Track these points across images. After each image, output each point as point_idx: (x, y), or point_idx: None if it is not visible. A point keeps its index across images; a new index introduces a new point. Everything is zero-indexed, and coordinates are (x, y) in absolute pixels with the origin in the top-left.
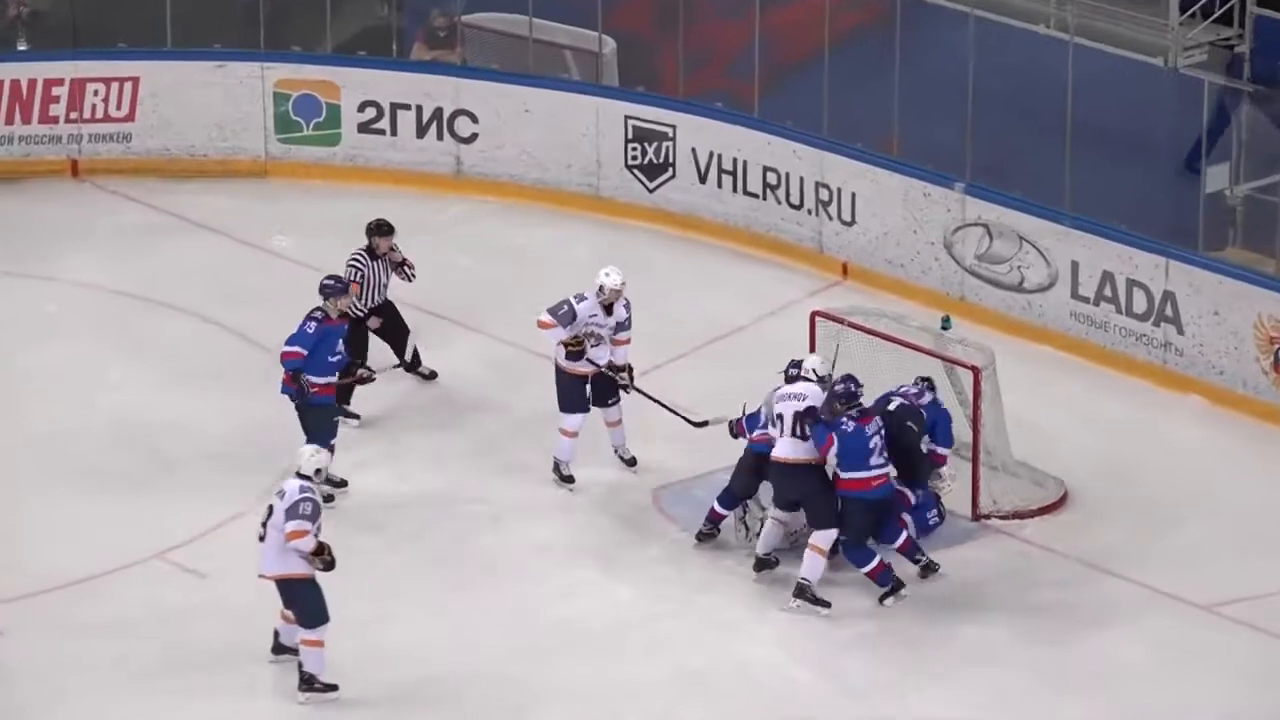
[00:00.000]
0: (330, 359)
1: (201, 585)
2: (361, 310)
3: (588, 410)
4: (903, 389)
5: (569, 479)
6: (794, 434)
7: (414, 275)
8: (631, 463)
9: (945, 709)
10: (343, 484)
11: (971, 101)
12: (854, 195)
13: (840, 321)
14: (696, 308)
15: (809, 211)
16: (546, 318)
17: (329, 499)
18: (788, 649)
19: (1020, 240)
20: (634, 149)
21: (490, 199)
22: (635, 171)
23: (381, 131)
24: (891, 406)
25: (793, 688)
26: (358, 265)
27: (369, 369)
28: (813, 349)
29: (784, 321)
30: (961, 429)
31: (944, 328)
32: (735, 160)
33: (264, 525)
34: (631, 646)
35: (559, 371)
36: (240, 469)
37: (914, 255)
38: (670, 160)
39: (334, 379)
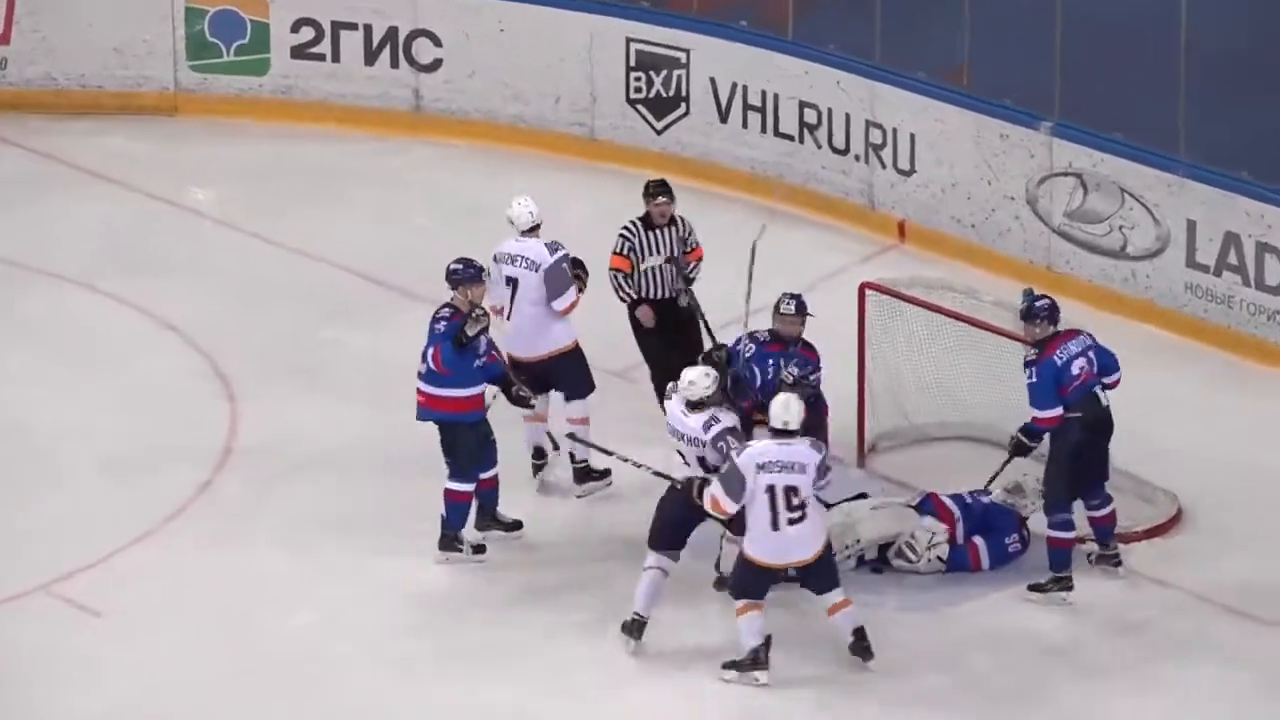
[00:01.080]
0: (477, 363)
1: (98, 627)
2: (629, 294)
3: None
4: None
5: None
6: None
7: (693, 274)
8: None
9: None
10: (516, 526)
11: (1061, 21)
12: (913, 137)
13: (898, 296)
14: (715, 279)
15: (857, 158)
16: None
17: (479, 549)
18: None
19: (1122, 194)
20: (637, 79)
21: (457, 142)
22: (639, 108)
23: (320, 57)
24: None
25: None
26: (627, 236)
27: (526, 389)
28: (862, 329)
29: (827, 296)
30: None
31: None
32: (764, 94)
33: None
34: None
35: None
36: (145, 480)
37: (988, 213)
38: (683, 93)
39: (479, 390)
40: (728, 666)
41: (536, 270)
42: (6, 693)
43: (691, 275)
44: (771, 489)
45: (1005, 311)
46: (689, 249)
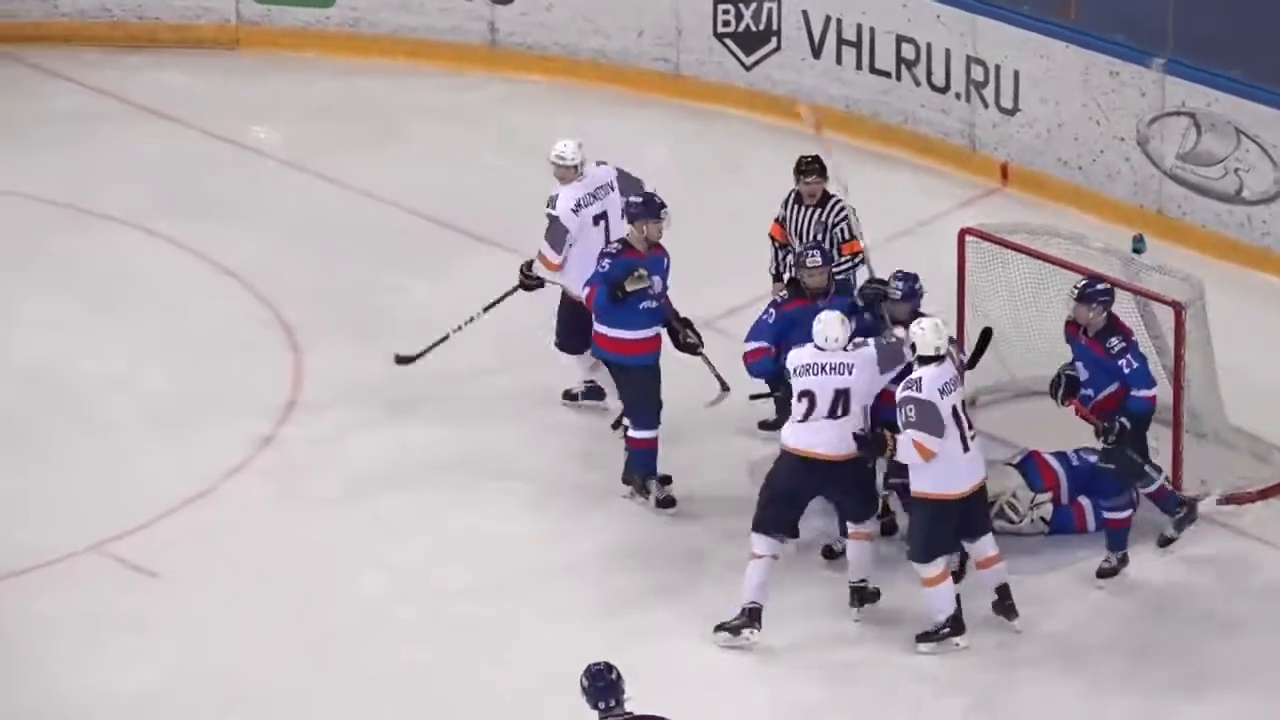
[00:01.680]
0: (641, 306)
1: (153, 589)
2: (773, 269)
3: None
4: None
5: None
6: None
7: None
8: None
9: None
10: (666, 481)
11: None
12: (1017, 74)
13: (1000, 242)
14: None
15: (957, 96)
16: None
17: (668, 500)
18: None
19: (1238, 134)
20: (725, 11)
21: (534, 78)
22: (727, 42)
23: None
24: None
25: None
26: (783, 206)
27: (695, 334)
28: (962, 276)
29: (924, 242)
30: (1161, 386)
31: (1136, 250)
32: (859, 27)
33: None
34: None
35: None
36: (203, 435)
37: (1097, 154)
38: (773, 27)
39: (648, 333)
40: (922, 639)
41: (613, 189)
42: (57, 657)
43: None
44: (955, 412)
45: (1114, 259)
46: (844, 238)
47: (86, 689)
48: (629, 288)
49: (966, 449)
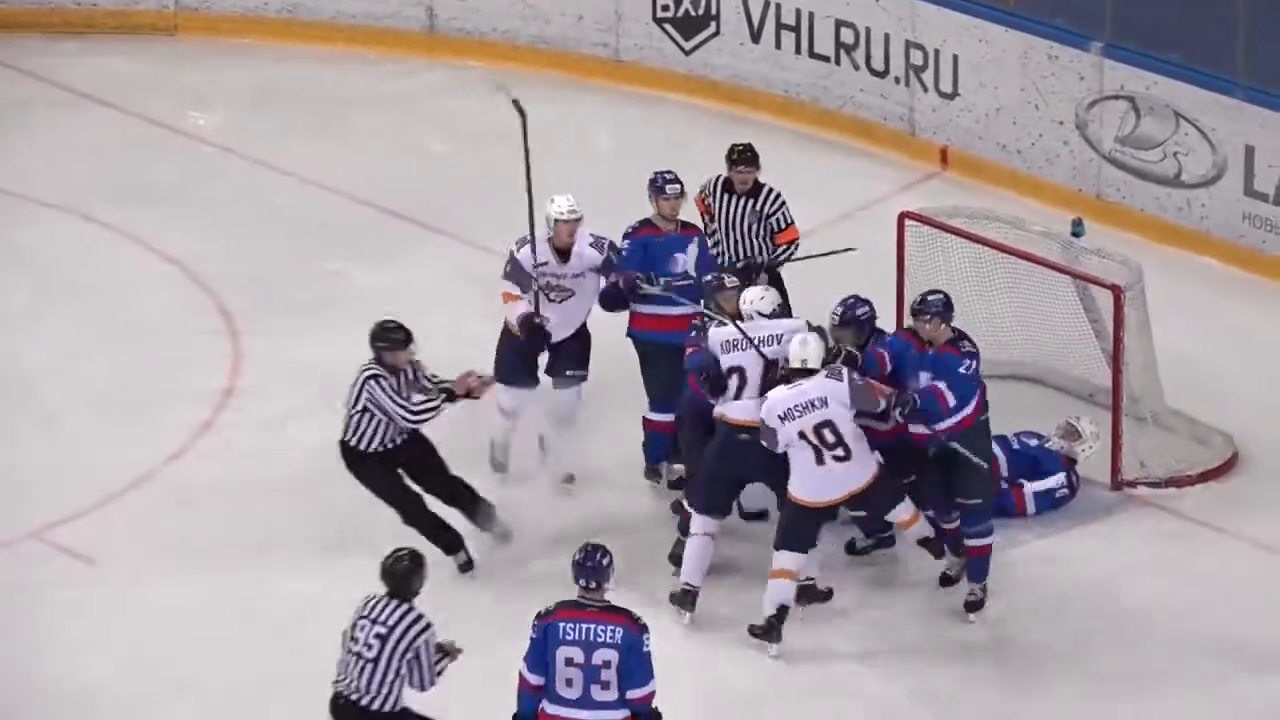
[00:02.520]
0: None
1: (93, 575)
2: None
3: (533, 386)
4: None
5: (500, 467)
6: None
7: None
8: (569, 480)
9: None
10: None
11: None
12: (956, 59)
13: (939, 226)
14: None
15: (897, 80)
16: (508, 287)
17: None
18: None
19: (1177, 118)
20: None
21: (473, 63)
22: (666, 26)
23: None
24: None
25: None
26: (710, 195)
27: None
28: (901, 260)
29: (864, 226)
30: (1099, 369)
31: (1075, 234)
32: (799, 12)
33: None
34: None
35: (503, 331)
36: (143, 421)
37: (1036, 138)
38: (713, 12)
39: (679, 313)
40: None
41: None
42: None
43: (777, 263)
44: (803, 434)
45: (1053, 242)
46: (780, 226)
47: (30, 679)
48: (647, 288)
49: (821, 463)
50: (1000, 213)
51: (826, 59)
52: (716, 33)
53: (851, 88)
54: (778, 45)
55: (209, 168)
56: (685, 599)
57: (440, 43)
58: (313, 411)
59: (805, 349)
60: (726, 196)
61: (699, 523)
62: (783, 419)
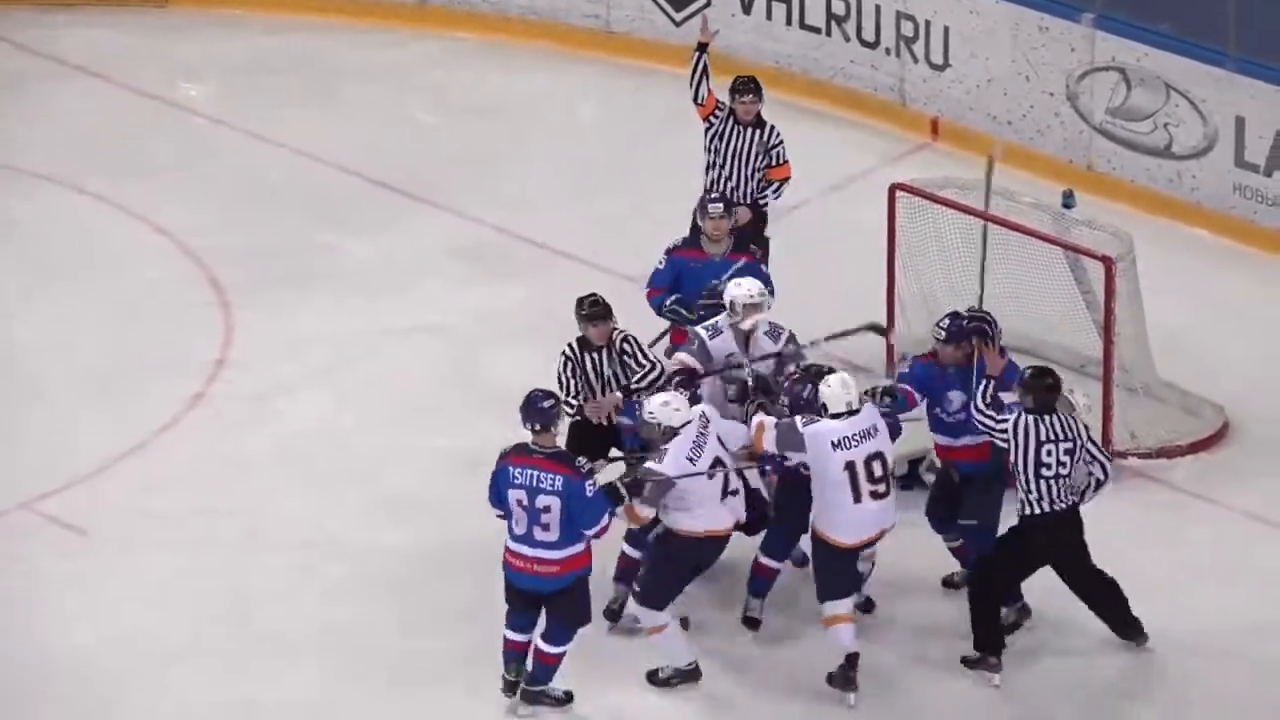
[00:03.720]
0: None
1: (85, 546)
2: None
3: None
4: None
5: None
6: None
7: (771, 195)
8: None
9: None
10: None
11: None
12: (947, 30)
13: (930, 198)
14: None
15: (888, 51)
16: (686, 358)
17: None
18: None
19: (1167, 89)
20: None
21: (464, 35)
22: None
23: None
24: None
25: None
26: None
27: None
28: (892, 231)
29: (854, 198)
30: (1090, 340)
31: (1066, 205)
32: None
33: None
34: None
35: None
36: (133, 393)
37: (1026, 110)
38: None
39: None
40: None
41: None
42: None
43: (764, 200)
44: (850, 466)
45: (1044, 214)
46: (778, 161)
47: (21, 649)
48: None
49: (859, 500)
50: (992, 184)
51: (817, 30)
52: (707, 4)
53: (842, 59)
54: (768, 16)
55: (200, 139)
56: (693, 674)
57: (431, 14)
58: (304, 383)
59: (847, 390)
60: (733, 125)
61: (663, 616)
62: (835, 446)
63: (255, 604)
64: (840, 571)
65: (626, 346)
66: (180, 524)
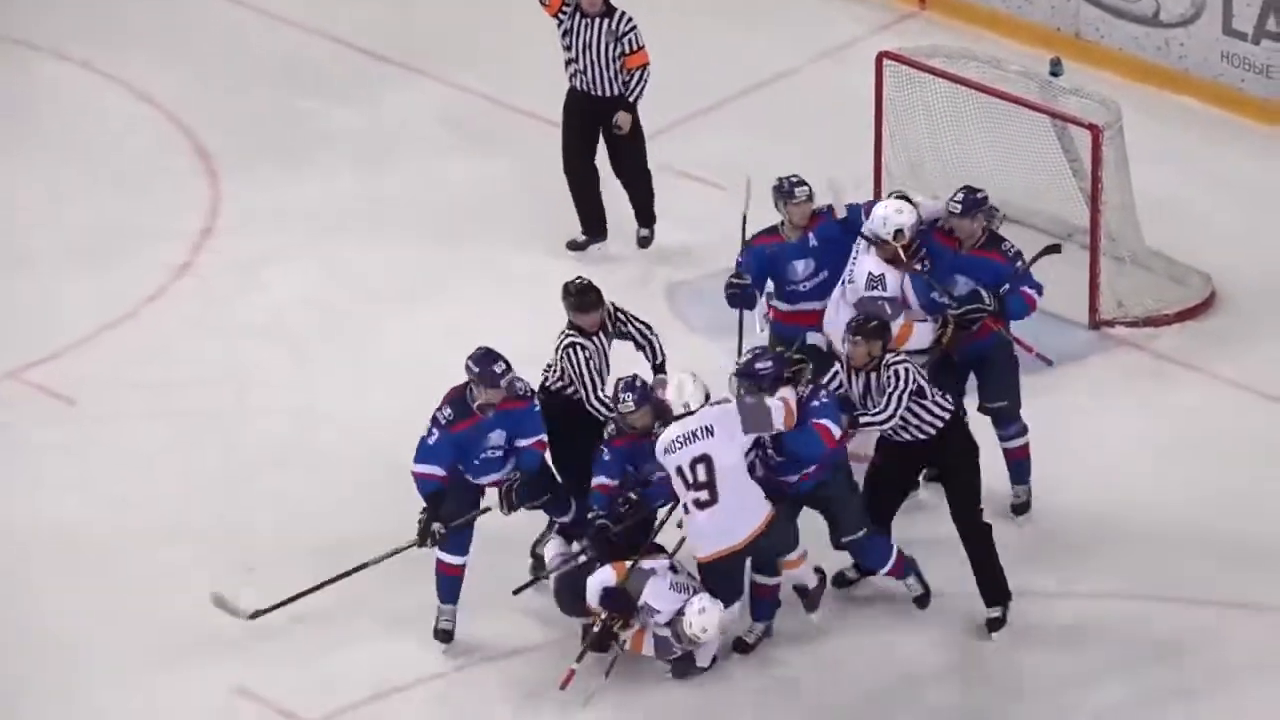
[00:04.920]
0: (803, 287)
1: (72, 415)
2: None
3: None
4: None
5: None
6: None
7: (635, 90)
8: None
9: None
10: None
11: None
12: None
13: (918, 66)
14: (727, 48)
15: None
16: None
17: None
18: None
19: None
20: None
21: None
22: None
23: None
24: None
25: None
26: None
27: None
28: (879, 103)
29: (843, 66)
30: (1077, 209)
31: (1053, 74)
32: None
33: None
34: None
35: None
36: (119, 263)
37: None
38: None
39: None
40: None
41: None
42: None
43: (632, 93)
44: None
45: (1031, 82)
46: (632, 49)
47: (9, 518)
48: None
49: (688, 510)
50: (979, 52)
51: None
52: None
53: None
54: None
55: (186, 6)
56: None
57: None
58: (291, 253)
59: (682, 393)
60: (579, 18)
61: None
62: (666, 452)
63: (244, 474)
64: (718, 579)
65: (621, 316)
66: (168, 393)
